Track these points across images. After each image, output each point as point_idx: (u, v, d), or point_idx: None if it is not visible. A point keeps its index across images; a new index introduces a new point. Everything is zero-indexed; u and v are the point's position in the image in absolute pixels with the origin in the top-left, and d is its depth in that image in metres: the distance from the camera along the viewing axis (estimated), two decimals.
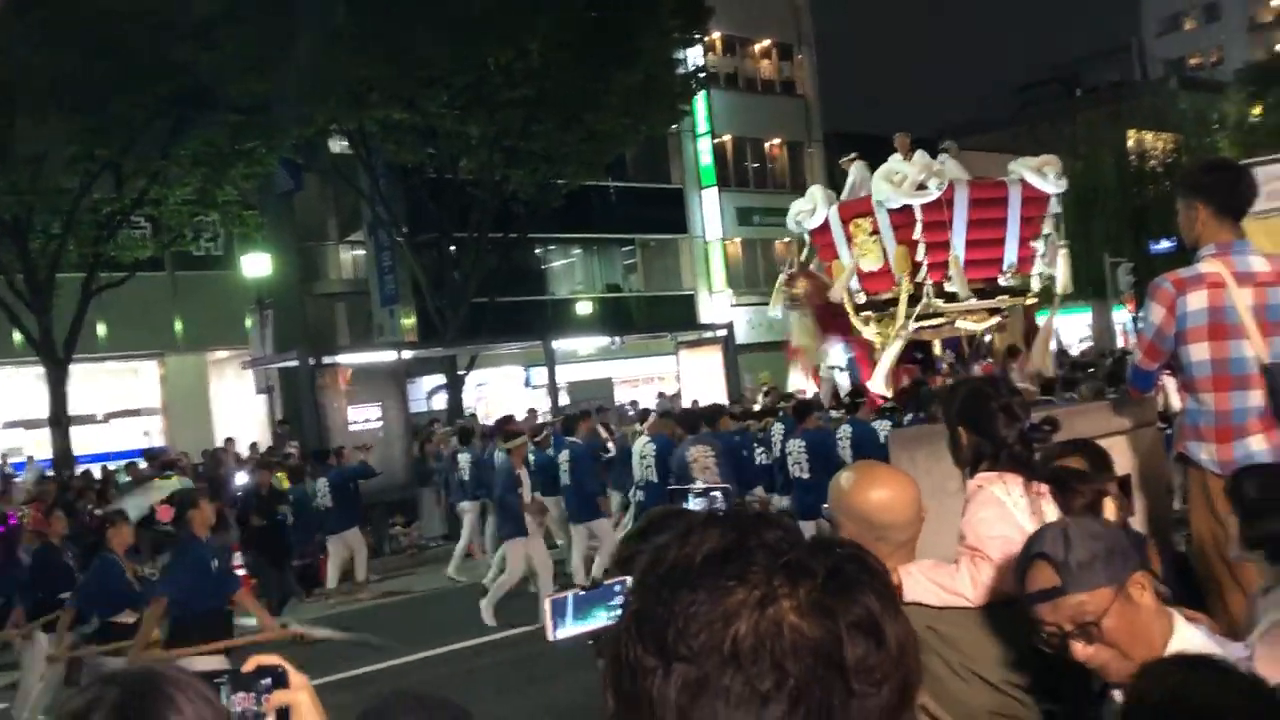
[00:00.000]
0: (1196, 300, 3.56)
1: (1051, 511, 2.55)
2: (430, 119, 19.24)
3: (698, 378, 22.49)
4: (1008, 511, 2.51)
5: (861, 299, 9.47)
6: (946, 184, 6.26)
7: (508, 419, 12.79)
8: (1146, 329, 3.72)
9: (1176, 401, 3.94)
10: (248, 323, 20.69)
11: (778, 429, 10.52)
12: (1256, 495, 2.80)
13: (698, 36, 24.53)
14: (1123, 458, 4.12)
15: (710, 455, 8.95)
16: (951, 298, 7.68)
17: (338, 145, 22.00)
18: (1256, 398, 3.58)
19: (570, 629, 4.35)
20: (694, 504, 6.17)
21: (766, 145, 32.09)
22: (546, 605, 4.23)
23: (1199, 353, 3.59)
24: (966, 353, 12.70)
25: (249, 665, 1.39)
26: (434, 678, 8.41)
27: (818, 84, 33.37)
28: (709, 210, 30.02)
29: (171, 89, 15.21)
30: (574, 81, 19.07)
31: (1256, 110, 32.01)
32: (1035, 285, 7.20)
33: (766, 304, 30.52)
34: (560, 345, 20.85)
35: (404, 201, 22.42)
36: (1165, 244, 8.97)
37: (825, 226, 7.33)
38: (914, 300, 7.84)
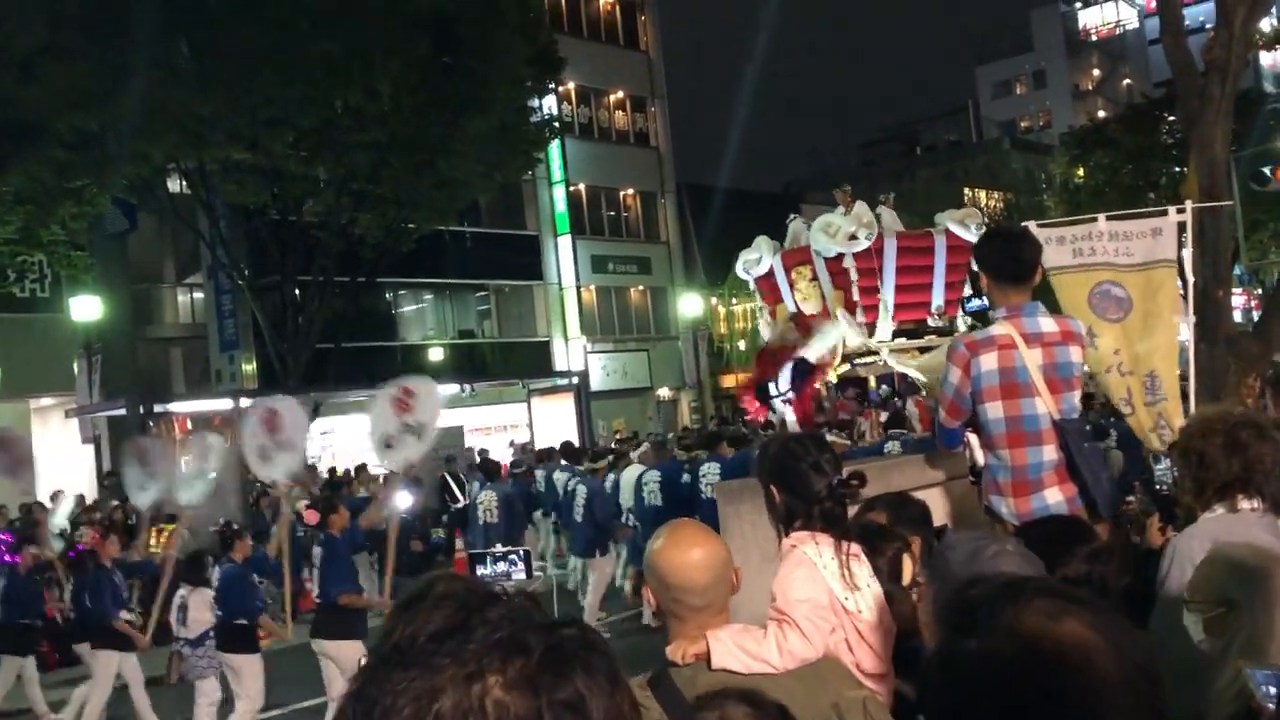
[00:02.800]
0: (989, 361, 3.72)
1: (862, 573, 2.59)
2: (275, 160, 18.75)
3: (551, 425, 22.43)
4: (817, 573, 2.52)
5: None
6: (876, 235, 6.77)
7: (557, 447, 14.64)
8: (947, 389, 3.87)
9: (980, 457, 4.09)
10: (75, 368, 19.59)
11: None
12: (1044, 545, 2.91)
13: (551, 86, 24.72)
14: (939, 509, 4.26)
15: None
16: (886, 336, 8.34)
17: (176, 184, 21.21)
18: (1050, 452, 3.75)
19: None
20: (490, 568, 6.07)
21: (621, 194, 32.49)
22: None
23: (994, 411, 3.74)
24: (899, 386, 13.33)
25: None
26: None
27: (670, 136, 34.05)
28: (564, 257, 30.15)
29: None
30: (425, 127, 18.91)
31: (1079, 172, 34.11)
32: (962, 326, 7.79)
33: (621, 351, 31.07)
34: None
35: (246, 243, 21.72)
36: (976, 303, 9.48)
37: (770, 274, 7.84)
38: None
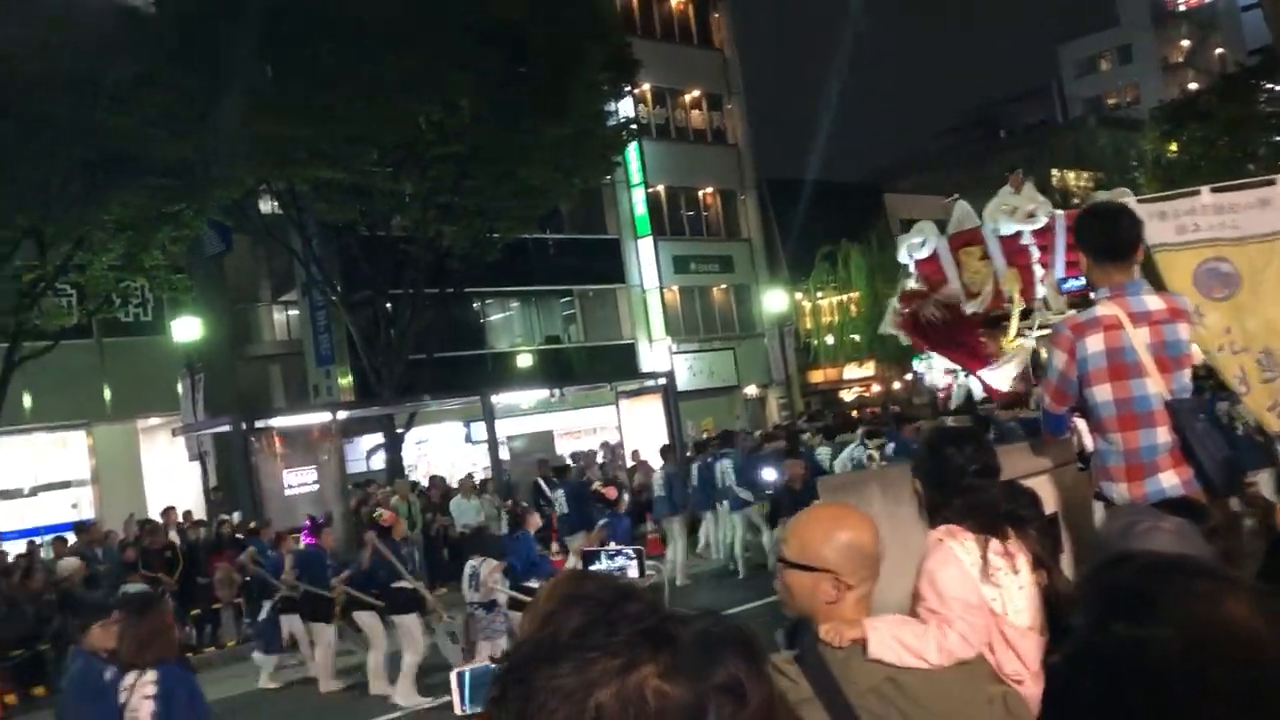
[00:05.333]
0: (1095, 343, 3.61)
1: (1009, 570, 2.54)
2: (361, 177, 19.14)
3: (639, 427, 22.46)
4: (966, 571, 2.51)
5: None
6: (1051, 212, 6.92)
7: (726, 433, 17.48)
8: (1051, 374, 3.78)
9: (1090, 443, 3.98)
10: (178, 388, 20.26)
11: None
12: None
13: (627, 89, 24.78)
14: (1048, 497, 4.16)
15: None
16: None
17: (268, 205, 21.80)
18: (1163, 434, 3.63)
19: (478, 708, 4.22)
20: (604, 564, 6.07)
21: (700, 193, 32.44)
22: (453, 678, 4.13)
23: (1103, 394, 3.64)
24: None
25: None
26: None
27: (748, 132, 33.87)
28: (645, 259, 30.20)
29: (89, 153, 14.96)
30: (505, 137, 19.12)
31: (1172, 147, 33.03)
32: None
33: (706, 350, 31.01)
34: (500, 399, 20.71)
35: (337, 260, 22.22)
36: (1073, 283, 9.28)
37: (934, 256, 8.03)
38: (1025, 314, 8.91)
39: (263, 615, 12.26)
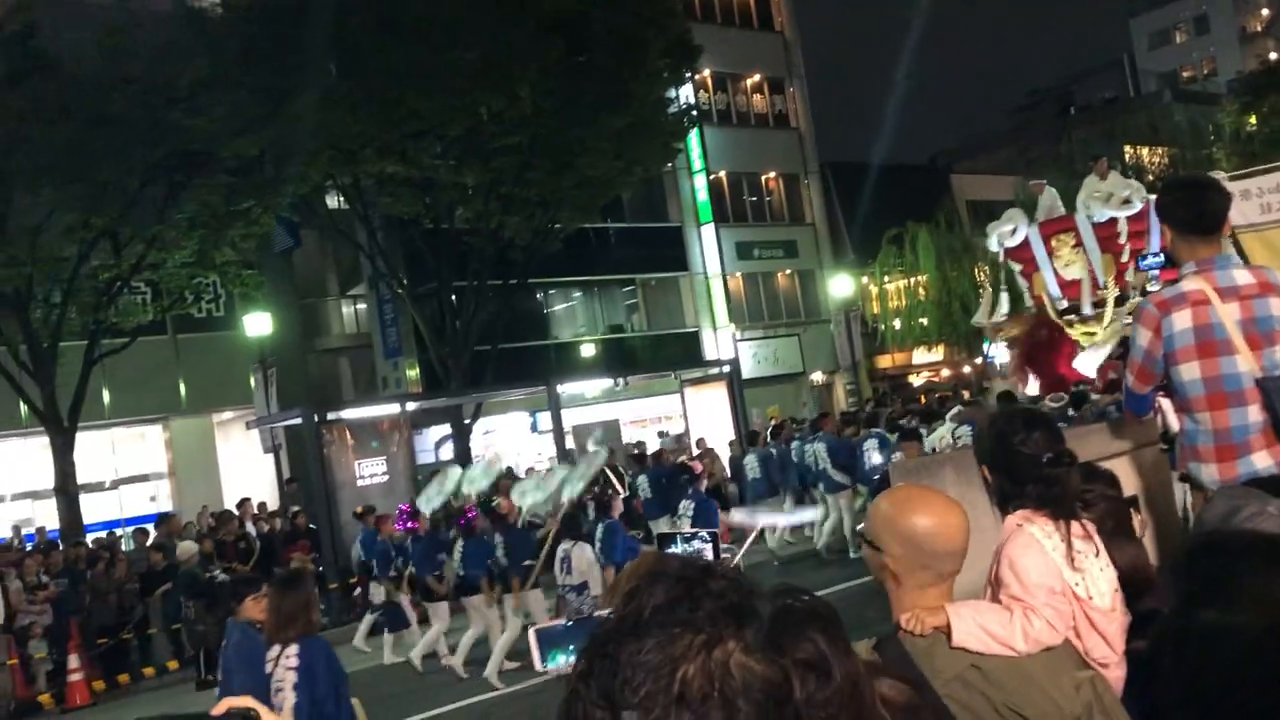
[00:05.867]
0: (1182, 320, 3.47)
1: (1091, 554, 2.49)
2: (424, 170, 19.33)
3: (704, 414, 22.43)
4: (1049, 556, 2.46)
5: (1063, 305, 10.87)
6: (1145, 197, 6.85)
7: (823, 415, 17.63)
8: (1136, 353, 3.64)
9: (1174, 423, 3.84)
10: (251, 382, 20.69)
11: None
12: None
13: (687, 75, 24.67)
14: (1128, 479, 4.03)
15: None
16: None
17: (334, 201, 22.10)
18: (1255, 413, 3.48)
19: (561, 662, 4.31)
20: (680, 547, 6.05)
21: (762, 178, 32.21)
22: (533, 635, 4.18)
23: (1190, 372, 3.50)
24: None
25: (219, 709, 1.34)
26: None
27: (811, 115, 33.54)
28: (708, 246, 30.08)
29: (163, 154, 15.29)
30: (566, 127, 19.16)
31: (1251, 120, 32.01)
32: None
33: (771, 337, 30.81)
34: (565, 389, 20.79)
35: (403, 253, 22.48)
36: (1152, 259, 9.09)
37: (1025, 244, 8.05)
38: (1120, 300, 8.93)
39: (379, 598, 12.67)
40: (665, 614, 0.84)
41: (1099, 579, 2.46)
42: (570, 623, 4.98)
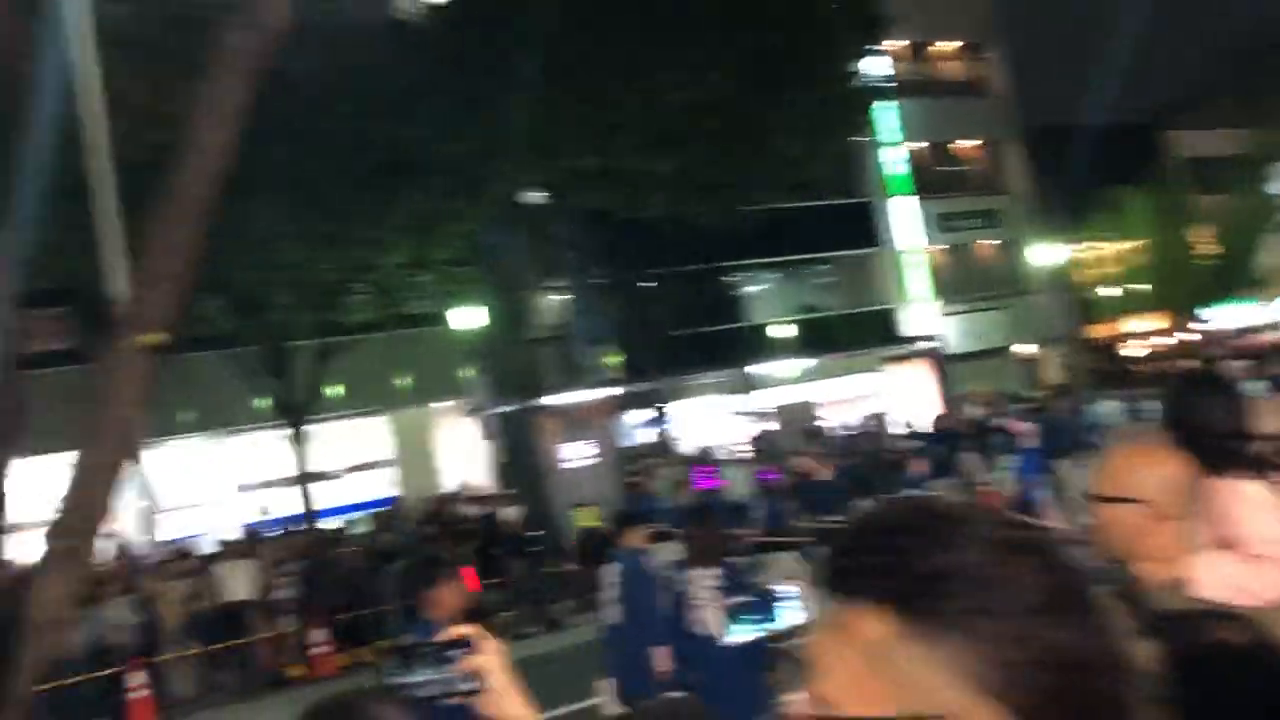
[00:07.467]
0: None
1: None
2: (618, 162, 19.69)
3: (905, 392, 21.98)
4: (1275, 511, 2.42)
5: None
6: None
7: None
8: None
9: None
10: (465, 373, 21.68)
11: None
12: None
13: (880, 47, 24.11)
14: None
15: None
16: None
17: (533, 195, 22.83)
18: None
19: (739, 631, 4.69)
20: None
21: (960, 148, 31.14)
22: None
23: None
24: None
25: (445, 636, 1.50)
26: None
27: (1010, 79, 32.16)
28: (907, 220, 29.32)
29: (377, 164, 16.20)
30: (756, 109, 19.11)
31: None
32: None
33: (974, 311, 29.75)
34: (761, 370, 20.82)
35: (599, 244, 23.01)
36: None
37: None
38: None
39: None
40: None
41: None
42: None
